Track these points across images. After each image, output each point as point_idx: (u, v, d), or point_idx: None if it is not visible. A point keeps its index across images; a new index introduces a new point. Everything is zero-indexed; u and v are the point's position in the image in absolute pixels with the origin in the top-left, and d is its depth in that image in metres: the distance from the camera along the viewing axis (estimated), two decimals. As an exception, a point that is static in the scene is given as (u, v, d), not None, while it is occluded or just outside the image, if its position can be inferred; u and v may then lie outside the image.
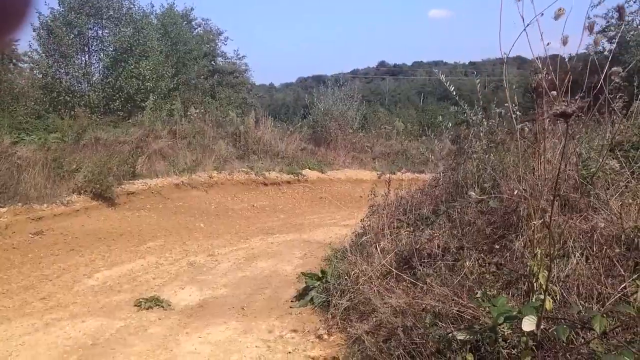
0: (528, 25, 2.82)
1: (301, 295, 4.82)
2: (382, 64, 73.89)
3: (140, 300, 4.71)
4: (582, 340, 2.41)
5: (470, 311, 3.06)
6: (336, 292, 4.38)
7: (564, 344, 2.36)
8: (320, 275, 4.91)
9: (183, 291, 5.15)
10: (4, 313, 4.47)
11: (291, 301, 4.80)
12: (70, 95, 14.01)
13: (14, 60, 18.09)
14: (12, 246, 6.27)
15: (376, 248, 4.76)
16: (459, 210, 4.76)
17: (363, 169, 13.44)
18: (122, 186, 9.01)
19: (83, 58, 15.05)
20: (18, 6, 0.60)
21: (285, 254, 6.63)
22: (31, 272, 5.57)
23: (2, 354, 3.64)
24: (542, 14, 2.75)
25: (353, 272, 4.45)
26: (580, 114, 3.49)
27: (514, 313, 2.40)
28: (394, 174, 10.25)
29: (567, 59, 2.96)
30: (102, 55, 15.11)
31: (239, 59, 23.10)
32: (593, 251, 3.20)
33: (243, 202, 10.38)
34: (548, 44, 3.00)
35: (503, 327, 2.54)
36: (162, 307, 4.66)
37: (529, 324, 2.25)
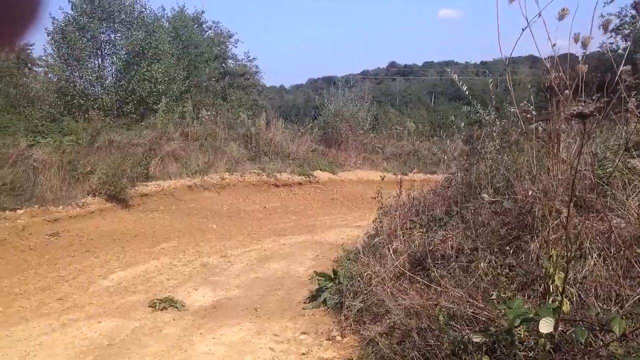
0: (526, 27, 2.81)
1: (314, 297, 4.82)
2: (392, 64, 73.77)
3: (155, 301, 4.74)
4: (601, 343, 2.39)
5: (486, 313, 3.04)
6: (349, 294, 4.37)
7: (582, 347, 2.34)
8: (333, 276, 4.91)
9: (197, 292, 5.18)
10: (22, 313, 4.53)
11: (304, 302, 4.81)
12: (84, 98, 14.16)
13: (29, 65, 18.36)
14: (29, 247, 6.36)
15: (389, 249, 4.75)
16: (472, 211, 4.73)
17: (374, 169, 13.41)
18: (136, 188, 9.10)
19: (96, 62, 15.22)
20: (27, 10, 0.60)
21: (297, 255, 6.65)
22: (48, 273, 5.64)
23: (20, 354, 3.68)
24: (540, 15, 2.74)
25: (366, 273, 4.45)
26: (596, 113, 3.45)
27: (531, 315, 2.37)
28: (406, 174, 10.23)
29: (580, 58, 2.94)
30: (114, 58, 15.27)
31: (249, 61, 23.22)
32: (611, 252, 3.16)
33: (255, 204, 10.42)
34: (554, 45, 2.99)
35: (519, 330, 2.52)
36: (176, 307, 4.69)
37: (546, 326, 2.23)
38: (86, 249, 6.63)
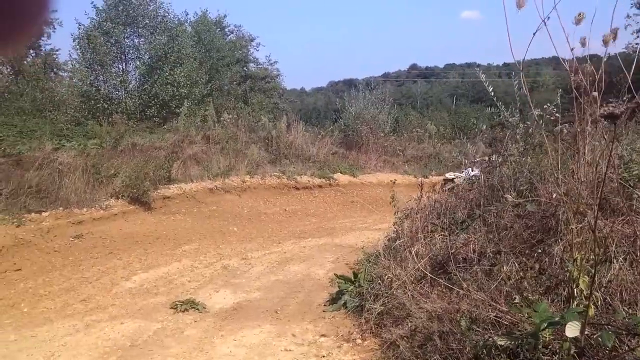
0: (537, 31, 2.77)
1: (334, 300, 4.81)
2: (413, 66, 73.40)
3: (177, 302, 4.79)
4: (627, 347, 2.33)
5: (509, 317, 2.99)
6: (369, 297, 4.35)
7: (608, 351, 2.29)
8: (353, 279, 4.89)
9: (218, 294, 5.21)
10: (47, 314, 4.61)
11: (324, 305, 4.80)
12: (108, 102, 14.40)
13: (55, 69, 18.78)
14: (54, 249, 6.48)
15: (410, 252, 4.71)
16: (495, 214, 4.67)
17: (395, 172, 13.34)
18: (158, 191, 9.21)
19: (120, 66, 15.47)
20: (32, 9, 0.60)
21: (317, 257, 6.64)
22: (72, 274, 5.74)
23: (45, 355, 3.75)
24: (548, 18, 2.70)
25: (386, 276, 4.42)
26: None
27: (557, 319, 2.33)
28: (427, 177, 10.16)
29: (605, 59, 2.89)
30: (138, 63, 15.50)
31: (270, 64, 23.35)
32: (637, 256, 3.09)
33: (275, 206, 10.45)
34: (572, 49, 2.94)
35: (544, 333, 2.47)
36: (198, 309, 4.72)
37: (572, 330, 2.19)
38: (109, 250, 6.73)
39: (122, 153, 10.49)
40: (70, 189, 8.06)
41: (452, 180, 11.10)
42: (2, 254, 5.98)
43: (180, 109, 13.70)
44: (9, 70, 16.20)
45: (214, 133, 12.65)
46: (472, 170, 10.86)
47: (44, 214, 7.19)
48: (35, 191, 7.68)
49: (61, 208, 7.52)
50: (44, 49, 16.93)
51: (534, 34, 2.86)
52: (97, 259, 6.33)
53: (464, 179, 10.75)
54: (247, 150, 12.09)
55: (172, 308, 4.73)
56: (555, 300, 3.03)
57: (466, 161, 7.56)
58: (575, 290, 2.86)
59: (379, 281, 4.45)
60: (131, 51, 15.46)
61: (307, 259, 6.55)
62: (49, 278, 5.58)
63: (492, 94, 5.18)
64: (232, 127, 13.15)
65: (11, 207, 7.07)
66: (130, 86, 15.20)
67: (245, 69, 22.25)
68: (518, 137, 5.51)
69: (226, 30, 21.60)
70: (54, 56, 17.40)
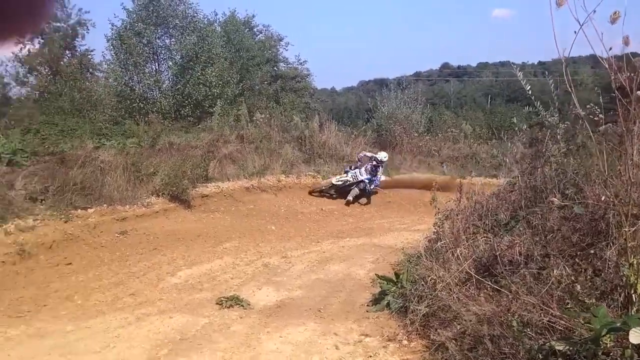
0: (579, 29, 2.74)
1: (377, 300, 4.83)
2: (445, 65, 72.42)
3: (222, 298, 4.89)
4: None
5: (563, 321, 2.97)
6: (413, 298, 4.35)
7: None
8: (395, 280, 4.90)
9: (260, 291, 5.30)
10: (99, 307, 4.77)
11: (367, 305, 4.83)
12: (144, 102, 14.70)
13: (91, 70, 19.24)
14: (101, 245, 6.69)
15: (452, 254, 4.69)
16: (540, 216, 4.62)
17: (431, 172, 13.27)
18: (196, 189, 9.40)
19: (153, 66, 15.75)
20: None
21: (356, 257, 6.68)
22: (119, 269, 5.91)
23: (101, 345, 3.89)
24: (594, 11, 2.67)
25: (429, 277, 4.41)
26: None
27: (619, 324, 2.31)
28: (465, 178, 10.06)
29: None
30: (170, 63, 15.75)
31: (300, 64, 23.40)
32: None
33: (312, 206, 10.54)
34: (610, 49, 2.90)
35: (605, 339, 2.45)
36: (242, 306, 4.81)
37: (637, 336, 2.17)
38: (153, 247, 6.90)
39: (160, 152, 10.71)
40: (112, 186, 8.29)
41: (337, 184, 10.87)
42: (53, 248, 6.23)
43: (214, 109, 13.90)
44: (47, 70, 16.69)
45: (247, 132, 12.80)
46: (361, 174, 10.71)
47: (89, 210, 7.43)
48: (79, 188, 7.91)
49: (105, 205, 7.75)
50: (79, 50, 17.37)
51: (577, 32, 2.83)
52: (142, 255, 6.50)
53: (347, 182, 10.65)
54: (281, 150, 12.21)
55: (217, 304, 4.83)
56: (612, 306, 2.99)
57: (506, 161, 7.43)
58: (633, 295, 2.82)
59: (422, 282, 4.44)
60: (163, 51, 15.73)
61: (347, 259, 6.60)
62: (98, 272, 5.77)
63: (530, 92, 5.12)
64: (265, 126, 13.28)
65: (58, 204, 7.31)
66: (164, 86, 15.48)
67: (275, 68, 22.35)
68: (558, 137, 5.42)
69: (255, 30, 21.74)
70: (89, 57, 17.78)
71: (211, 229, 8.09)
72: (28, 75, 16.13)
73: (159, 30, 15.26)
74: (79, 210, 7.39)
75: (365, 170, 11.06)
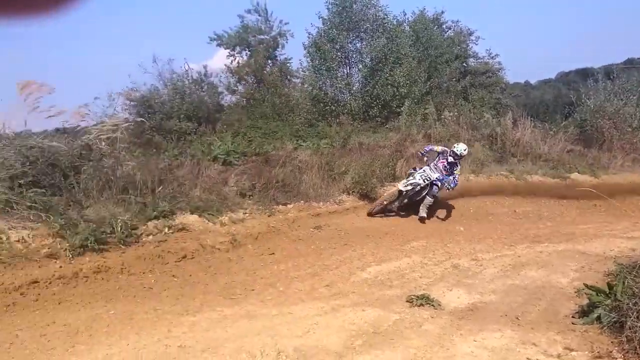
0: None
1: (585, 312, 4.35)
2: (665, 48, 61.79)
3: (412, 296, 4.89)
4: None
5: None
6: (632, 313, 3.81)
7: None
8: (608, 292, 4.35)
9: (451, 293, 5.18)
10: (298, 295, 5.17)
11: (572, 317, 4.39)
12: (335, 104, 15.46)
13: (289, 77, 20.94)
14: (299, 238, 7.28)
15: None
16: None
17: (647, 173, 11.48)
18: (384, 188, 9.60)
19: (344, 70, 16.43)
20: None
21: (557, 265, 6.11)
22: (315, 261, 6.33)
23: (302, 330, 4.19)
24: None
25: (653, 292, 3.82)
26: None
27: None
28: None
29: None
30: (360, 66, 16.23)
31: (491, 58, 22.18)
32: None
33: (503, 207, 9.96)
34: None
35: None
36: (433, 306, 4.75)
37: None
38: (344, 242, 7.24)
39: (350, 152, 11.22)
40: (308, 184, 8.96)
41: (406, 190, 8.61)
42: (259, 239, 6.97)
43: (401, 109, 14.00)
44: (252, 79, 18.62)
45: (434, 131, 12.63)
46: (432, 173, 8.06)
47: (289, 206, 8.14)
48: (281, 185, 8.73)
49: (302, 201, 8.42)
50: (279, 59, 18.96)
51: None
52: (334, 249, 6.87)
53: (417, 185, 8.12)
54: (470, 149, 11.75)
55: (407, 301, 4.84)
56: None
57: None
58: None
59: (642, 297, 3.87)
60: (354, 55, 16.27)
61: (546, 265, 6.07)
62: (296, 263, 6.26)
63: None
64: (453, 125, 12.94)
65: (263, 199, 8.15)
66: (354, 88, 16.03)
67: (464, 64, 21.56)
68: None
69: (444, 26, 21.24)
70: (288, 65, 19.28)
71: (398, 228, 8.18)
72: (237, 84, 18.12)
73: (351, 35, 15.88)
74: (280, 206, 8.16)
75: (436, 168, 8.85)
